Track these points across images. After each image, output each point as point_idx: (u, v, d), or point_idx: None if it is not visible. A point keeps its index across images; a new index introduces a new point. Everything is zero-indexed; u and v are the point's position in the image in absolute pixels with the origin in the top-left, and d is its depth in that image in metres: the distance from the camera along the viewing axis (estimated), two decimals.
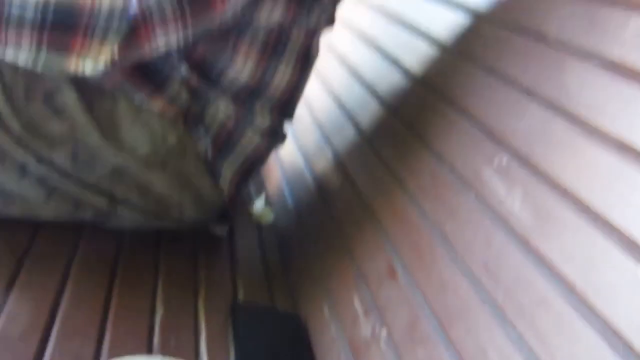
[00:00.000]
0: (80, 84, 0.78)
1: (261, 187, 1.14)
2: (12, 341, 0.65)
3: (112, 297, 0.77)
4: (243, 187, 0.94)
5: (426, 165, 0.74)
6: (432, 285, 0.61)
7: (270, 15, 0.79)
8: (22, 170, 0.78)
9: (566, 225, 0.49)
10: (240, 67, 0.83)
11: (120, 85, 0.80)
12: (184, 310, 0.79)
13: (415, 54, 0.93)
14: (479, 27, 0.83)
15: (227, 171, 0.89)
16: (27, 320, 0.68)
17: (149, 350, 0.69)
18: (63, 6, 0.61)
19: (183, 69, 0.82)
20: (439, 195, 0.68)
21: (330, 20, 0.89)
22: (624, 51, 0.57)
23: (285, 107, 0.91)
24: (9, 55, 0.63)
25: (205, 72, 0.83)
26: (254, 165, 0.91)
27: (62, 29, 0.61)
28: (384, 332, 0.65)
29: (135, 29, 0.63)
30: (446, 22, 0.91)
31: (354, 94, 1.06)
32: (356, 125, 0.99)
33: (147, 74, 0.81)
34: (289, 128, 0.96)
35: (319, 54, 0.92)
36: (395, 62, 0.98)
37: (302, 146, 1.18)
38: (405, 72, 0.93)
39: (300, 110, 1.16)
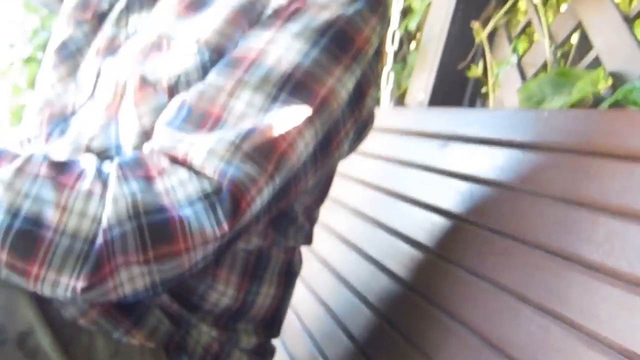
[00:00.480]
0: (56, 322, 0.75)
1: None
2: None
3: None
4: None
5: None
6: None
7: (248, 243, 0.80)
8: None
9: None
10: (222, 292, 0.81)
11: (96, 322, 0.78)
12: None
13: (400, 258, 0.95)
14: (459, 228, 0.86)
15: None
16: None
17: None
18: (24, 231, 0.61)
19: (163, 298, 0.80)
20: None
21: (308, 238, 0.89)
22: (600, 254, 0.60)
23: (271, 324, 0.90)
24: None
25: (186, 298, 0.81)
26: None
27: (19, 254, 0.60)
28: None
29: (98, 260, 0.60)
30: (425, 224, 0.95)
31: (342, 300, 1.06)
32: (348, 334, 0.99)
33: (125, 308, 0.79)
34: (278, 339, 0.95)
35: (301, 265, 0.92)
36: (382, 267, 1.00)
37: (293, 357, 1.15)
38: (394, 277, 0.95)
39: (289, 317, 1.15)
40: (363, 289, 1.02)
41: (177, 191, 0.62)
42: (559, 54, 1.22)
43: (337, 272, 1.16)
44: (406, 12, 1.74)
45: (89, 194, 0.61)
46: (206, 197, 0.62)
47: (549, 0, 1.35)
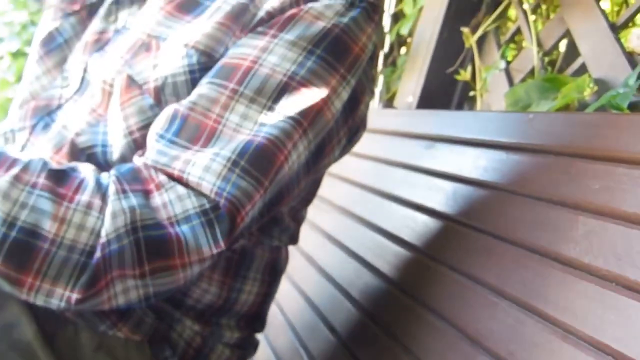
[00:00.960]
0: (41, 315, 0.74)
1: None
2: None
3: None
4: None
5: None
6: None
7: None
8: None
9: None
10: (205, 289, 0.81)
11: (82, 315, 0.78)
12: None
13: (383, 255, 0.96)
14: (443, 226, 0.88)
15: None
16: None
17: None
18: (20, 241, 0.60)
19: None
20: None
21: (294, 238, 0.88)
22: (578, 251, 0.61)
23: (255, 319, 0.89)
24: None
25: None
26: None
27: (13, 264, 0.58)
28: None
29: (95, 274, 0.60)
30: (409, 222, 0.96)
31: (325, 296, 1.07)
32: (331, 328, 0.99)
33: None
34: (261, 333, 0.95)
35: (287, 263, 0.91)
36: (366, 264, 1.01)
37: (275, 350, 1.16)
38: (377, 273, 0.96)
39: (273, 311, 1.16)
40: (347, 285, 1.03)
41: (175, 206, 0.62)
42: (546, 60, 1.24)
43: (321, 268, 1.17)
44: (397, 16, 1.76)
45: (88, 207, 0.60)
46: (204, 213, 0.62)
47: (538, 8, 1.37)
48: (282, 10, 0.69)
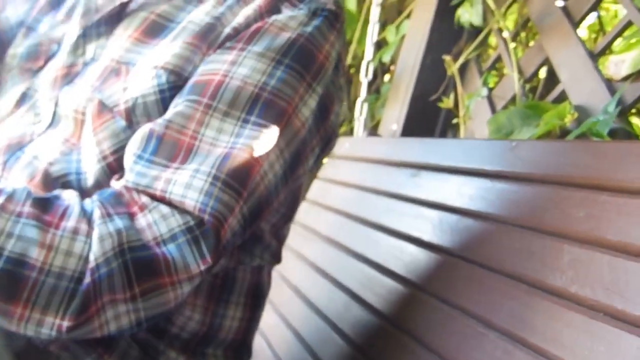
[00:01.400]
0: (22, 350, 0.73)
1: None
2: None
3: None
4: None
5: None
6: None
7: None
8: None
9: None
10: (188, 317, 0.80)
11: (66, 348, 0.76)
12: None
13: (370, 286, 0.96)
14: (429, 255, 0.87)
15: None
16: None
17: None
18: (8, 272, 0.59)
19: None
20: None
21: (276, 257, 0.88)
22: (564, 281, 0.61)
23: (240, 349, 0.88)
24: None
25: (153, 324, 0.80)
26: None
27: (2, 295, 0.57)
28: None
29: (85, 300, 0.59)
30: (396, 252, 0.95)
31: (314, 329, 1.06)
32: None
33: None
34: None
35: (270, 286, 0.90)
36: (352, 294, 1.00)
37: None
38: (364, 304, 0.95)
39: (260, 344, 1.14)
40: (335, 318, 1.02)
41: (160, 226, 0.62)
42: (527, 87, 1.26)
43: (308, 300, 1.16)
44: (380, 44, 1.77)
45: (75, 233, 0.60)
46: (189, 230, 0.62)
47: (518, 35, 1.39)
48: (247, 25, 0.71)
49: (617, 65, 1.05)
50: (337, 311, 1.02)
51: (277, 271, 1.30)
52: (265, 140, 0.66)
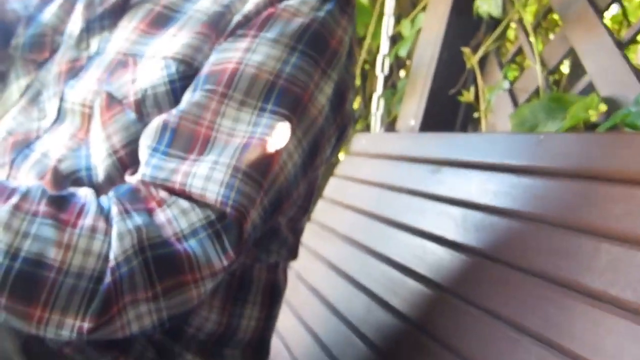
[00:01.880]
0: (35, 353, 0.72)
1: None
2: None
3: None
4: None
5: None
6: None
7: None
8: None
9: None
10: (205, 317, 0.78)
11: (81, 350, 0.75)
12: None
13: (392, 286, 0.93)
14: (453, 255, 0.84)
15: None
16: None
17: None
18: (25, 273, 0.58)
19: None
20: None
21: (293, 252, 0.87)
22: (603, 282, 0.57)
23: (258, 349, 0.87)
24: None
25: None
26: None
27: (20, 297, 0.57)
28: None
29: (106, 300, 0.60)
30: (418, 251, 0.92)
31: (334, 332, 1.03)
32: None
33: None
34: None
35: (286, 284, 0.88)
36: (373, 295, 0.97)
37: None
38: (386, 306, 0.92)
39: (278, 347, 1.11)
40: (356, 321, 0.99)
41: (180, 221, 0.61)
42: (551, 79, 1.22)
43: (328, 302, 1.13)
44: (395, 39, 1.74)
45: (93, 231, 0.59)
46: (210, 225, 0.61)
47: (538, 27, 1.35)
48: (257, 12, 0.69)
49: None
50: (358, 314, 0.98)
51: (294, 272, 1.27)
52: (283, 129, 0.64)
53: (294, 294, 0.87)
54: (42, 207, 0.59)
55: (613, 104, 0.97)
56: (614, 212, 0.61)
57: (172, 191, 0.62)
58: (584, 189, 0.67)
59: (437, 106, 1.43)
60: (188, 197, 0.61)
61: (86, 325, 0.58)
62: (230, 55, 0.68)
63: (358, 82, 2.09)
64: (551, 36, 1.44)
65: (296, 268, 1.28)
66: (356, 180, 1.33)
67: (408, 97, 1.53)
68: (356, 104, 2.14)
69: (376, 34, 1.84)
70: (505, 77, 1.31)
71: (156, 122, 0.66)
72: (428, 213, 0.96)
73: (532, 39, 1.24)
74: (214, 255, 0.61)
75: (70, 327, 0.58)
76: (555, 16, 1.42)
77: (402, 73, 1.89)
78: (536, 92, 1.20)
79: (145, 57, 0.72)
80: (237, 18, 0.70)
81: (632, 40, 1.03)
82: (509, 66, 1.36)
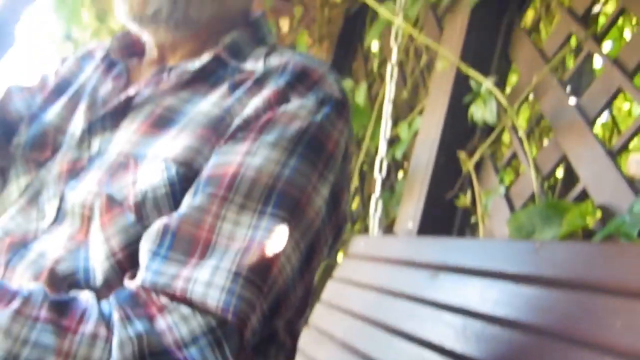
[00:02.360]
0: None
1: None
2: None
3: None
4: None
5: None
6: None
7: None
8: None
9: None
10: None
11: None
12: None
13: None
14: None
15: None
16: None
17: None
18: None
19: None
20: None
21: (290, 357, 0.84)
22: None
23: None
24: None
25: None
26: None
27: None
28: None
29: None
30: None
31: None
32: None
33: None
34: None
35: None
36: None
37: None
38: None
39: None
40: None
41: (181, 328, 0.60)
42: (545, 185, 1.24)
43: None
44: (393, 140, 1.78)
45: (94, 338, 0.59)
46: (211, 331, 0.60)
47: (531, 133, 1.39)
48: (257, 116, 0.71)
49: (639, 163, 1.04)
50: None
51: None
52: (282, 232, 0.65)
53: None
54: (44, 313, 0.59)
55: (607, 212, 0.98)
56: (614, 325, 0.61)
57: (173, 297, 0.62)
58: (584, 300, 0.67)
59: (435, 209, 1.44)
60: (189, 303, 0.61)
61: None
62: (230, 159, 0.69)
63: (356, 183, 2.11)
64: (545, 141, 1.47)
65: None
66: (354, 284, 1.32)
67: (406, 199, 1.54)
68: (355, 204, 2.16)
69: (374, 136, 1.88)
70: (502, 181, 1.33)
71: (157, 225, 0.67)
72: (426, 320, 0.95)
73: (525, 146, 1.27)
74: None
75: None
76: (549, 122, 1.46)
77: (400, 174, 1.92)
78: (531, 198, 1.22)
79: (147, 158, 0.73)
80: (237, 121, 0.72)
81: (623, 149, 1.06)
82: (504, 170, 1.39)
